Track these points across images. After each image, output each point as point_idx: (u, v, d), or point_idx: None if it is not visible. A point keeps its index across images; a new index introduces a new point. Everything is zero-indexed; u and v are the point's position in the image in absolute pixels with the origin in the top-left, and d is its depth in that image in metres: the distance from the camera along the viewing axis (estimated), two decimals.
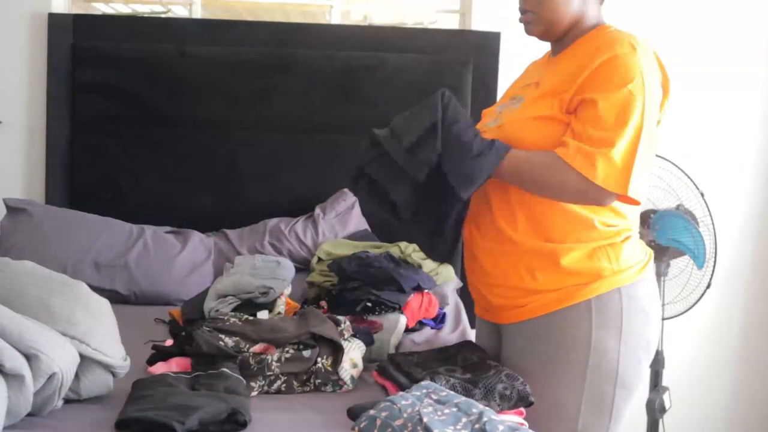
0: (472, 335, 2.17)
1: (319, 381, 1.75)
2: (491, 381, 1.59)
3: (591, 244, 1.67)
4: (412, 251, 2.48)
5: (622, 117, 1.57)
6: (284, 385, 1.73)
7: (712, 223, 2.76)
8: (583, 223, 1.67)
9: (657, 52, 1.69)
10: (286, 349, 1.75)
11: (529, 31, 1.75)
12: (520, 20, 1.75)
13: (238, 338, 1.76)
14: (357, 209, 2.97)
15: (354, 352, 1.82)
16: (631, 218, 1.73)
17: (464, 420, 1.32)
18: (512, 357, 1.75)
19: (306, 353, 1.76)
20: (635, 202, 1.62)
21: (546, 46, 1.85)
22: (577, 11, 1.70)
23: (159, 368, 1.80)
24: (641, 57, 1.60)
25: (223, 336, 1.76)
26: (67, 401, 1.59)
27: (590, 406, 1.69)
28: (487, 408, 1.38)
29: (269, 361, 1.72)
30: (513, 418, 1.52)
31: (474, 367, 1.69)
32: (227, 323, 1.83)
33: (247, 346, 1.75)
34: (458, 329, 2.30)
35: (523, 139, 1.66)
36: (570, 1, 1.69)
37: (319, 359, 1.75)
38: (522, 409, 1.59)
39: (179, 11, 3.49)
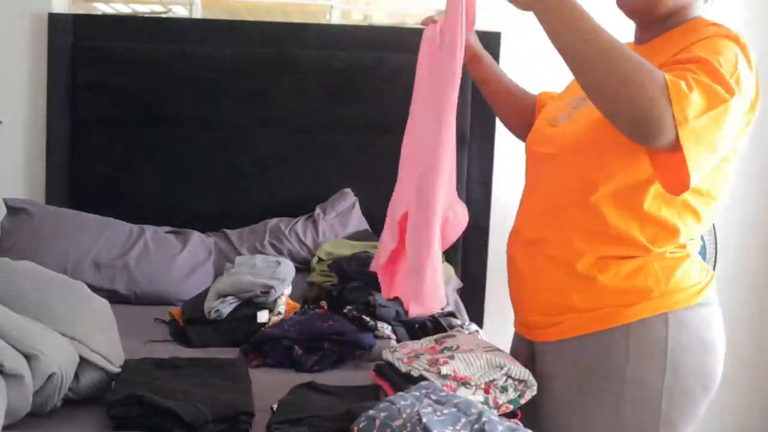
0: None
1: None
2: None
3: (638, 260, 1.49)
4: None
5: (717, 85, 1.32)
6: None
7: (713, 224, 2.76)
8: (633, 237, 1.47)
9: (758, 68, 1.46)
10: None
11: (627, 1, 1.51)
12: None
13: None
14: (357, 209, 2.97)
15: None
16: (695, 232, 1.52)
17: (463, 420, 1.32)
18: (543, 379, 1.59)
19: None
20: (685, 187, 1.35)
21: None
22: None
23: None
24: (739, 50, 1.40)
25: None
26: (67, 401, 1.59)
27: None
28: (486, 408, 1.38)
29: None
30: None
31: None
32: None
33: None
34: None
35: (595, 141, 1.45)
36: None
37: None
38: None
39: (179, 11, 3.48)
